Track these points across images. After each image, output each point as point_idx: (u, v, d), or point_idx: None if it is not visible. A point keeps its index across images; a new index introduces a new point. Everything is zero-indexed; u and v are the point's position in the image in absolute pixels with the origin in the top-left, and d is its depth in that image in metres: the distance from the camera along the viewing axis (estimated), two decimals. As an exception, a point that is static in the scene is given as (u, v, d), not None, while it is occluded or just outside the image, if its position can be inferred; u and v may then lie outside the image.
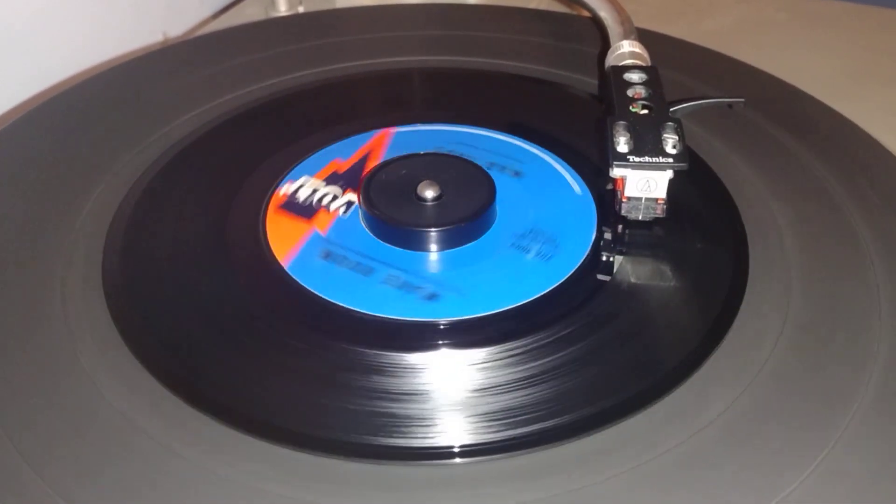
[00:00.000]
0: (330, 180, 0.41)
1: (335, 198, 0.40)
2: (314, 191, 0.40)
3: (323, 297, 0.34)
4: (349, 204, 0.39)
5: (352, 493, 0.28)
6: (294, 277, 0.35)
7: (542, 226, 0.38)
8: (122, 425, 0.30)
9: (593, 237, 0.37)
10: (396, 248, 0.37)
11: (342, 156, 0.43)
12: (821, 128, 0.44)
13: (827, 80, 0.52)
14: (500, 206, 0.38)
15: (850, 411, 0.30)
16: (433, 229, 0.36)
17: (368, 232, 0.38)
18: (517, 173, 0.40)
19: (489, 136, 0.44)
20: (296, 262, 0.36)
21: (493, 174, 0.39)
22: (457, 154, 0.41)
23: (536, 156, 0.42)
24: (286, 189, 0.40)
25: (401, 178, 0.39)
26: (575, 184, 0.40)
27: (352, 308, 0.34)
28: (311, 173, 0.41)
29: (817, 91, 0.46)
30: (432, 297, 0.34)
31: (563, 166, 0.41)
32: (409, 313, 0.34)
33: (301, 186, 0.41)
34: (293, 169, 0.42)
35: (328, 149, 0.43)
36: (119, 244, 0.37)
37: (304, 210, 0.39)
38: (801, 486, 0.27)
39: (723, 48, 0.51)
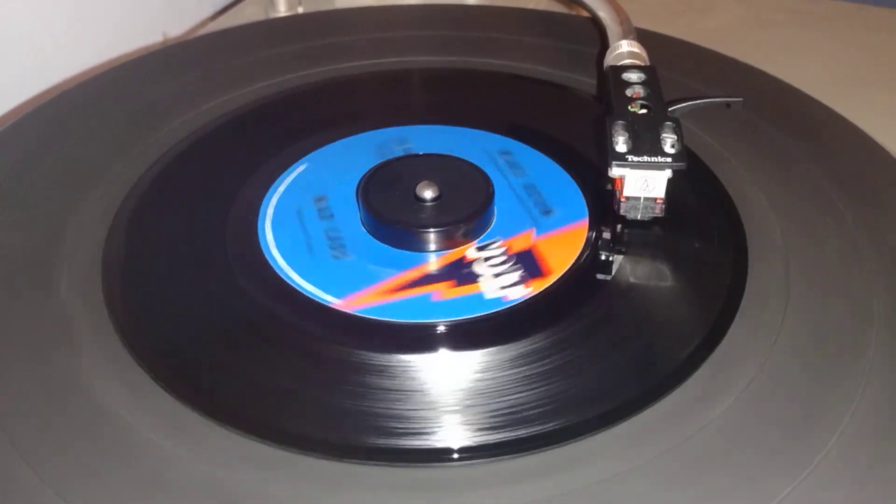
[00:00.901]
0: None
1: None
2: None
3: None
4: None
5: (350, 494, 0.28)
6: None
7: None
8: (121, 425, 0.30)
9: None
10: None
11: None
12: (819, 127, 0.44)
13: (825, 79, 0.52)
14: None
15: (847, 413, 0.30)
16: (431, 229, 0.37)
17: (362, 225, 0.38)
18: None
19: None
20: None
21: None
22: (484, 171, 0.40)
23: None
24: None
25: (411, 176, 0.39)
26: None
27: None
28: None
29: (815, 91, 0.46)
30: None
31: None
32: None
33: None
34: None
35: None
36: (120, 242, 0.37)
37: None
38: (799, 488, 0.27)
39: (721, 48, 0.51)
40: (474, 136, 0.44)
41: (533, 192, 0.40)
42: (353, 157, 0.42)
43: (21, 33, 0.56)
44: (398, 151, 0.43)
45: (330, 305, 0.34)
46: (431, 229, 0.37)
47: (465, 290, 0.35)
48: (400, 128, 0.45)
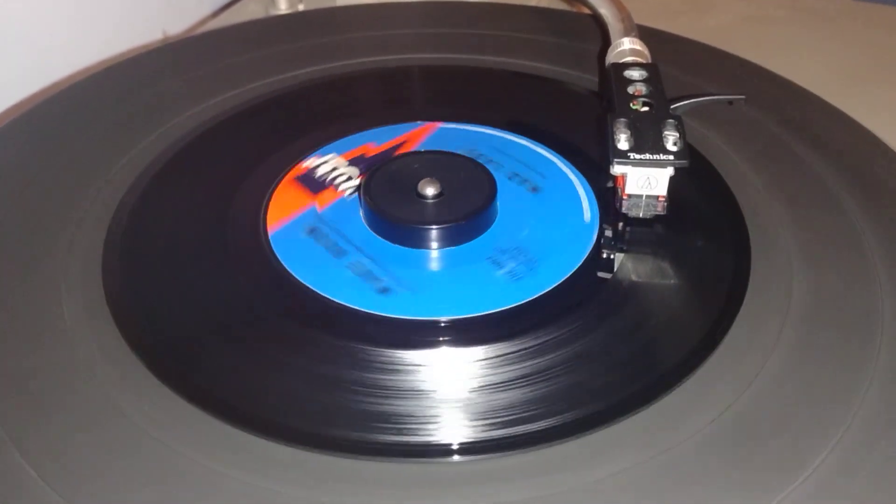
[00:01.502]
0: (354, 162, 0.42)
1: (349, 178, 0.40)
2: (334, 168, 0.41)
3: (285, 266, 0.36)
4: (358, 187, 0.40)
5: (350, 490, 0.28)
6: (272, 246, 0.37)
7: (528, 245, 0.37)
8: (121, 424, 0.30)
9: (574, 269, 0.36)
10: (377, 238, 0.37)
11: (377, 141, 0.43)
12: (821, 124, 0.44)
13: (827, 77, 0.52)
14: (500, 218, 0.38)
15: (851, 411, 0.29)
16: (415, 225, 0.37)
17: (362, 219, 0.38)
18: (535, 189, 0.39)
19: (522, 145, 0.43)
20: (281, 232, 0.37)
21: (512, 186, 0.39)
22: (482, 160, 0.40)
23: (562, 172, 0.41)
24: (310, 162, 0.41)
25: (410, 173, 0.39)
26: (588, 211, 0.39)
27: (303, 282, 0.35)
28: (340, 152, 0.42)
29: (817, 88, 0.46)
30: (384, 291, 0.34)
31: (584, 188, 0.40)
32: (355, 301, 0.34)
33: (324, 163, 0.41)
34: (325, 146, 0.43)
35: (365, 133, 0.44)
36: (120, 241, 0.37)
37: (315, 184, 0.40)
38: (802, 487, 0.27)
39: (723, 45, 0.51)
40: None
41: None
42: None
43: (21, 31, 0.56)
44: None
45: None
46: (432, 226, 0.37)
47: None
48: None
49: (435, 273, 0.36)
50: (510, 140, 0.43)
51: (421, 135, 0.44)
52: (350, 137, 0.44)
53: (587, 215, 0.39)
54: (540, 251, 0.37)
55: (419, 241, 0.37)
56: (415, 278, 0.35)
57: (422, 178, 0.38)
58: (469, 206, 0.37)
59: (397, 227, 0.37)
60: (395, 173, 0.39)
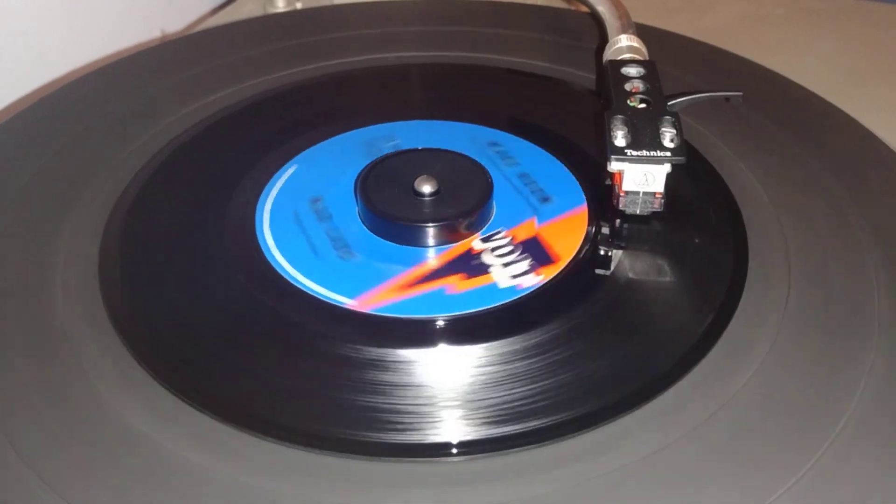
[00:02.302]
0: None
1: None
2: None
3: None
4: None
5: (349, 490, 0.28)
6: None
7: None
8: (120, 424, 0.30)
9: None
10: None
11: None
12: (819, 122, 0.44)
13: (825, 74, 0.52)
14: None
15: (848, 408, 0.29)
16: (397, 220, 0.37)
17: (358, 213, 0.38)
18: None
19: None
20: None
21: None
22: (483, 166, 0.40)
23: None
24: None
25: (409, 171, 0.39)
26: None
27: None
28: None
29: (815, 86, 0.46)
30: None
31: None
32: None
33: None
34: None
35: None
36: (117, 238, 0.37)
37: None
38: (797, 485, 0.27)
39: (721, 43, 0.51)
40: (465, 130, 0.44)
41: (528, 181, 0.40)
42: (342, 155, 0.42)
43: (19, 29, 0.56)
44: (387, 148, 0.42)
45: (345, 306, 0.34)
46: (434, 223, 0.36)
47: (478, 282, 0.35)
48: (389, 124, 0.44)
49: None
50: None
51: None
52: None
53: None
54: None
55: (437, 238, 0.37)
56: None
57: (415, 178, 0.38)
58: (462, 206, 0.37)
59: (375, 219, 0.37)
60: (393, 169, 0.39)
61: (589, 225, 0.37)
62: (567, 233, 0.37)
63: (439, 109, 0.45)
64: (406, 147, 0.42)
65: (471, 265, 0.36)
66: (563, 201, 0.39)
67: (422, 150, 0.42)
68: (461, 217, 0.37)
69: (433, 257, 0.36)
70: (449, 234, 0.37)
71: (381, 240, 0.37)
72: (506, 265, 0.35)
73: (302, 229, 0.38)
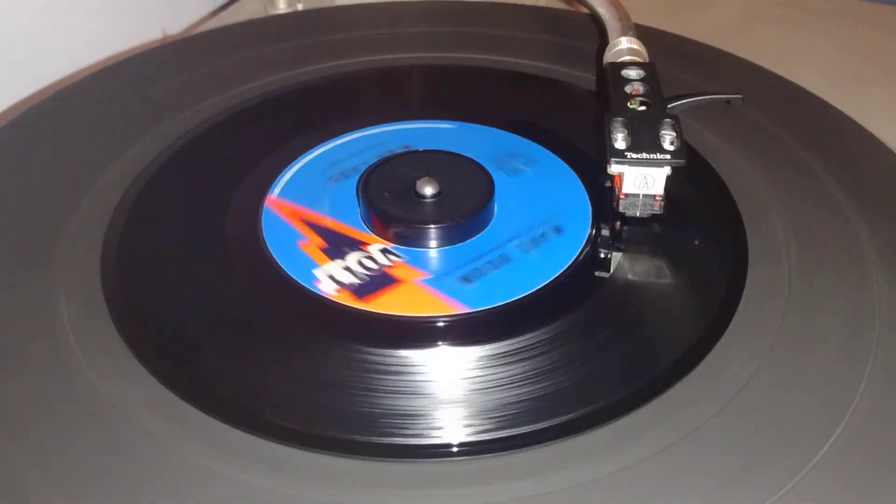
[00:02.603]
0: None
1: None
2: None
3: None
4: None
5: (346, 490, 0.28)
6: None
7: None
8: (120, 422, 0.30)
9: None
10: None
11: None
12: (818, 124, 0.44)
13: (825, 76, 0.52)
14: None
15: (847, 412, 0.30)
16: (404, 223, 0.37)
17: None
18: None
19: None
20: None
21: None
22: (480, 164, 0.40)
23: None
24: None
25: (413, 172, 0.39)
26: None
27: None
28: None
29: (816, 87, 0.46)
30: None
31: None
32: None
33: None
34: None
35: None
36: (119, 238, 0.37)
37: None
38: (797, 487, 0.27)
39: (720, 44, 0.51)
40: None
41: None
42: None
43: (20, 30, 0.56)
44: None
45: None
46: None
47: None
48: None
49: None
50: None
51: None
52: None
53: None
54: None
55: (406, 239, 0.37)
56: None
57: (420, 178, 0.38)
58: (460, 211, 0.37)
59: (384, 221, 0.37)
60: (395, 172, 0.39)
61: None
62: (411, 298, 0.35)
63: (448, 111, 0.45)
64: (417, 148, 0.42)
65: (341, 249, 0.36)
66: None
67: (426, 151, 0.42)
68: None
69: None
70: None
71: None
72: (345, 269, 0.35)
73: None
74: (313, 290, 0.35)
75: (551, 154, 0.42)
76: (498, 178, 0.39)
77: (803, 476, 0.27)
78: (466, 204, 0.37)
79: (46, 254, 0.37)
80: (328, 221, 0.38)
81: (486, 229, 0.38)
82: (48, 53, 0.57)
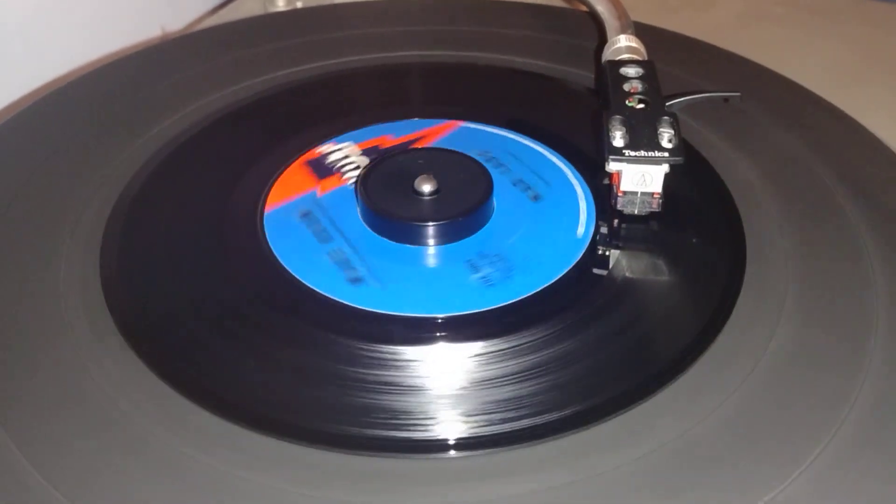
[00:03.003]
0: (367, 152, 0.42)
1: (356, 167, 0.41)
2: (346, 156, 0.42)
3: (271, 248, 0.36)
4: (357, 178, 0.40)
5: (344, 486, 0.28)
6: (263, 225, 0.38)
7: (509, 254, 0.36)
8: (120, 418, 0.30)
9: (549, 283, 0.35)
10: (365, 229, 0.38)
11: (395, 134, 0.44)
12: (817, 122, 0.44)
13: (825, 74, 0.52)
14: (493, 222, 0.38)
15: (845, 409, 0.30)
16: (403, 221, 0.37)
17: (357, 210, 0.38)
18: (537, 196, 0.39)
19: (534, 150, 0.42)
20: (276, 213, 0.38)
21: (515, 192, 0.39)
22: (491, 163, 0.40)
23: (567, 181, 0.40)
24: (324, 148, 0.42)
25: (411, 168, 0.39)
26: (582, 226, 0.38)
27: (281, 262, 0.36)
28: (357, 141, 0.43)
29: (815, 85, 0.46)
30: (355, 281, 0.35)
31: (586, 199, 0.39)
32: (323, 287, 0.35)
33: (339, 150, 0.42)
34: (343, 134, 0.43)
35: (384, 125, 0.44)
36: (119, 233, 0.38)
37: (323, 170, 0.41)
38: (794, 484, 0.27)
39: (720, 42, 0.51)
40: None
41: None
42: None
43: (19, 28, 0.56)
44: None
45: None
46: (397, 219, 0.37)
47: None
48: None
49: (407, 269, 0.36)
50: (522, 143, 0.43)
51: (440, 132, 0.44)
52: (370, 128, 0.44)
53: (580, 230, 0.37)
54: (519, 261, 0.36)
55: (405, 237, 0.37)
56: (386, 271, 0.35)
57: (421, 175, 0.38)
58: (458, 207, 0.37)
59: (384, 220, 0.37)
60: (397, 168, 0.39)
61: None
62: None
63: (448, 108, 0.45)
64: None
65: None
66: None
67: (425, 149, 0.42)
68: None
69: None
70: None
71: (369, 232, 0.38)
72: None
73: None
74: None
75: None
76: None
77: (795, 477, 0.27)
78: (458, 206, 0.37)
79: (45, 251, 0.37)
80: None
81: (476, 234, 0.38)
82: (47, 51, 0.57)
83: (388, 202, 0.37)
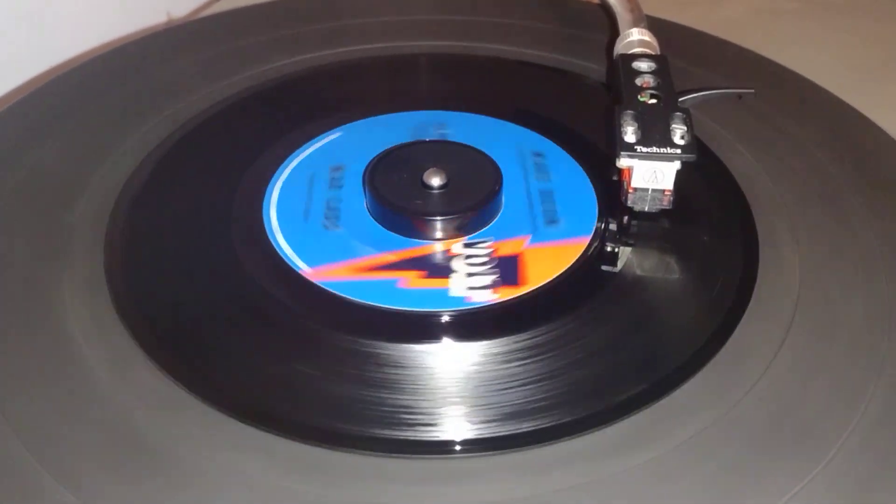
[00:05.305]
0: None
1: None
2: None
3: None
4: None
5: (344, 485, 0.28)
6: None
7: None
8: (121, 414, 0.29)
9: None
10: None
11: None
12: (831, 120, 0.43)
13: (839, 71, 0.52)
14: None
15: (858, 411, 0.29)
16: (402, 213, 0.36)
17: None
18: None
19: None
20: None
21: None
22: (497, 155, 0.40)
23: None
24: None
25: (417, 161, 0.38)
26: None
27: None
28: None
29: (829, 82, 0.46)
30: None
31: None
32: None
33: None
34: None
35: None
36: (123, 223, 0.37)
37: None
38: (808, 487, 0.27)
39: (734, 37, 0.50)
40: (512, 130, 0.43)
41: (547, 199, 0.39)
42: (387, 134, 0.42)
43: (25, 13, 0.55)
44: (435, 135, 0.42)
45: (299, 272, 0.34)
46: (426, 217, 0.36)
47: (433, 284, 0.34)
48: (439, 112, 0.44)
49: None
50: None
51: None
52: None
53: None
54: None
55: (411, 230, 0.36)
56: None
57: (427, 169, 0.37)
58: (467, 201, 0.37)
59: (391, 213, 0.37)
60: (405, 160, 0.39)
61: (577, 259, 0.35)
62: (550, 260, 0.35)
63: (493, 106, 0.44)
64: (454, 137, 0.42)
65: (437, 266, 0.35)
66: (569, 228, 0.37)
67: (443, 141, 0.41)
68: (451, 216, 0.36)
69: (408, 249, 0.36)
70: (436, 231, 0.36)
71: (374, 222, 0.37)
72: (470, 275, 0.34)
73: (308, 193, 0.38)
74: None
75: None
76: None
77: (813, 477, 0.27)
78: (469, 200, 0.37)
79: (49, 238, 0.36)
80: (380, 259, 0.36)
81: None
82: (52, 36, 0.57)
83: (396, 195, 0.37)
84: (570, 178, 0.40)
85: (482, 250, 0.36)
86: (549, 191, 0.39)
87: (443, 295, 0.34)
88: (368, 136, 0.42)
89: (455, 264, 0.35)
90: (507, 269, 0.35)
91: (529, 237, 0.36)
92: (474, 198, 0.37)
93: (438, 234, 0.36)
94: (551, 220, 0.37)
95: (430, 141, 0.41)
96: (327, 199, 0.38)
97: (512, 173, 0.39)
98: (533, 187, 0.39)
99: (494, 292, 0.34)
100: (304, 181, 0.39)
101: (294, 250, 0.35)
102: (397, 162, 0.39)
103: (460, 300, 0.33)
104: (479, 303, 0.33)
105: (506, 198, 0.38)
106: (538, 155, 0.41)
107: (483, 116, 0.44)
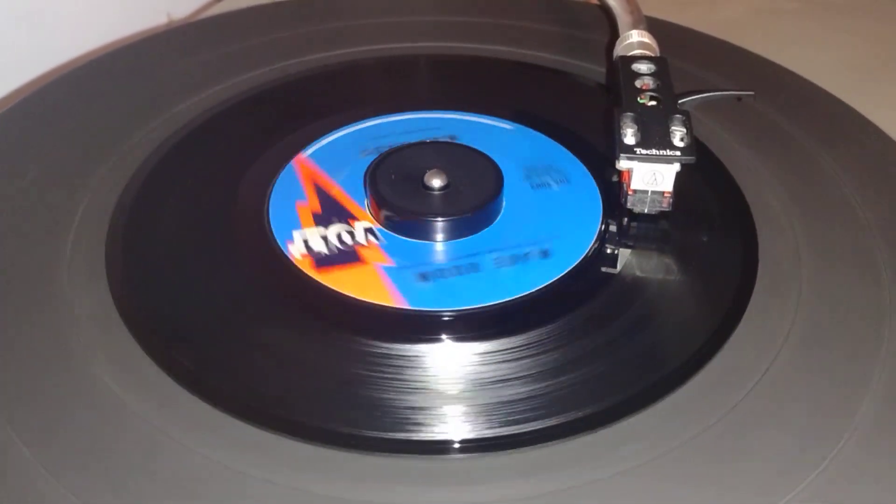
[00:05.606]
0: None
1: None
2: None
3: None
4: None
5: (347, 484, 0.28)
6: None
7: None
8: (121, 412, 0.29)
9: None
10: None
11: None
12: (831, 121, 0.44)
13: (839, 71, 0.52)
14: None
15: (858, 410, 0.29)
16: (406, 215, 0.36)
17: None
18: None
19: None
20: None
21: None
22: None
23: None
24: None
25: (419, 163, 0.38)
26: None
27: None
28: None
29: (829, 83, 0.46)
30: None
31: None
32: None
33: None
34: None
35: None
36: (124, 225, 0.37)
37: None
38: (809, 487, 0.27)
39: (733, 38, 0.50)
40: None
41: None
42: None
43: (25, 14, 0.56)
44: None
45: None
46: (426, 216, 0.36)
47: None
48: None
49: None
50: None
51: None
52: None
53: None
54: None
55: (413, 232, 0.36)
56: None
57: (429, 169, 0.37)
58: (468, 203, 0.37)
59: (377, 201, 0.37)
60: (405, 162, 0.39)
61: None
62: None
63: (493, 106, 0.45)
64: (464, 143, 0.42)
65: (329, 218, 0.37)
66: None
67: (452, 143, 0.41)
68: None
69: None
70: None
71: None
72: (322, 237, 0.36)
73: None
74: (282, 248, 0.35)
75: (584, 171, 0.40)
76: (521, 188, 0.39)
77: (815, 476, 0.27)
78: (465, 203, 0.37)
79: (50, 238, 0.36)
80: (336, 191, 0.39)
81: (473, 235, 0.37)
82: (52, 38, 0.57)
83: (397, 197, 0.37)
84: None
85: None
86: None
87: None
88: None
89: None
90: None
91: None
92: (472, 201, 0.37)
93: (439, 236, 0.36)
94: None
95: (430, 142, 0.41)
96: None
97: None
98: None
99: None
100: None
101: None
102: (398, 165, 0.39)
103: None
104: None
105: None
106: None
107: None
